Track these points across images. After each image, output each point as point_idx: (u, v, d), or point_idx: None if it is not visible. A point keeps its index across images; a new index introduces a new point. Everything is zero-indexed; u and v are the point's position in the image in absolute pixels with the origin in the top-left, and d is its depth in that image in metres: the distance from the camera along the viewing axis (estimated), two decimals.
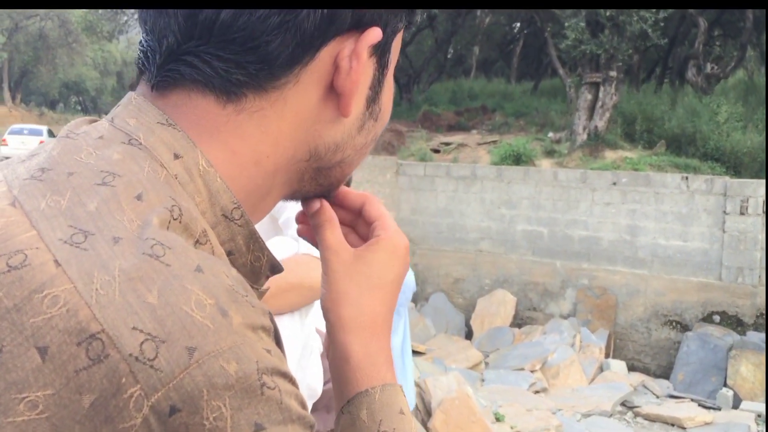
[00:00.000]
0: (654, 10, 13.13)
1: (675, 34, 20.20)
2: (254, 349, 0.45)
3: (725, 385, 9.67)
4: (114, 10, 21.71)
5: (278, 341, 0.52)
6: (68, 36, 38.42)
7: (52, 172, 0.50)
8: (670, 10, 13.51)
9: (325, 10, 0.55)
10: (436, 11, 20.85)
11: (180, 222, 0.49)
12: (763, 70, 25.86)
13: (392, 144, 15.59)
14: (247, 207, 0.59)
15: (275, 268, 0.64)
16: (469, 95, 21.60)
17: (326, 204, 0.70)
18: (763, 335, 10.08)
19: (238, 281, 0.49)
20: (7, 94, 38.04)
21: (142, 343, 0.42)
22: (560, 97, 18.40)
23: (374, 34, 0.58)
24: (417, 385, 7.95)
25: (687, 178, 11.08)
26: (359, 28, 0.58)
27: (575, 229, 11.89)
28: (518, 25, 26.69)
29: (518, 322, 12.15)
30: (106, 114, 0.59)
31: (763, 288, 10.34)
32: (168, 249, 0.46)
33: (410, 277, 4.02)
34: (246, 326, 0.46)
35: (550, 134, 15.33)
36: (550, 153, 14.17)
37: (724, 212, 10.64)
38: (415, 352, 9.75)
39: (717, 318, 10.72)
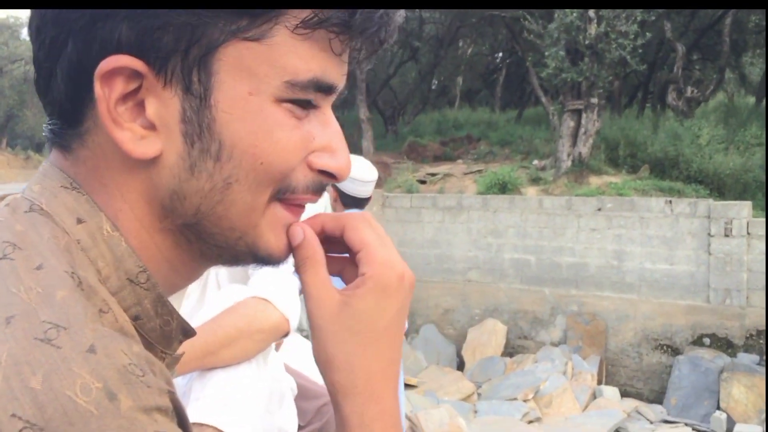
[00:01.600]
0: (632, 37, 13.29)
1: (654, 59, 20.45)
2: None
3: (718, 408, 9.63)
4: None
5: (181, 419, 0.51)
6: None
7: None
8: (648, 36, 13.67)
9: (76, 40, 0.52)
10: (418, 43, 21.05)
11: (83, 290, 0.49)
12: (743, 91, 26.20)
13: (378, 176, 15.62)
14: (160, 273, 0.58)
15: (188, 332, 0.62)
16: (454, 125, 21.71)
17: (309, 235, 0.62)
18: (753, 356, 10.08)
19: (140, 358, 0.48)
20: None
21: (20, 431, 0.41)
22: (544, 124, 18.54)
23: (106, 63, 0.51)
24: (408, 419, 7.89)
25: (671, 201, 11.14)
26: (128, 52, 0.52)
27: (562, 255, 11.91)
28: (500, 54, 26.97)
29: (509, 351, 12.10)
30: (51, 142, 0.59)
31: (752, 309, 10.36)
32: (63, 329, 0.45)
33: None
34: (137, 409, 0.44)
35: (535, 162, 15.42)
36: (535, 180, 14.24)
37: (709, 234, 10.69)
38: (406, 385, 9.70)
39: (707, 341, 10.71)
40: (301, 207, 0.62)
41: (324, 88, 0.57)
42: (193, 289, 1.86)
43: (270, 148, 0.55)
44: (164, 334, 0.58)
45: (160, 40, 0.52)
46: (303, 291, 0.62)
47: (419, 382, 10.38)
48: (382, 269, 0.61)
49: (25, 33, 44.06)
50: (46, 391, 0.42)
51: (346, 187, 3.66)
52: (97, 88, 0.52)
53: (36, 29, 0.56)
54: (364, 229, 0.62)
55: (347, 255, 0.65)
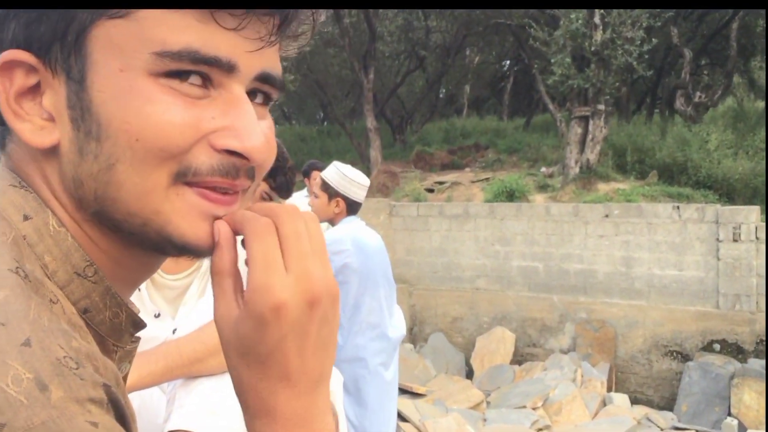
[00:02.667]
0: (638, 43, 13.28)
1: (662, 65, 20.44)
2: (73, 422, 0.45)
3: (729, 414, 9.55)
4: None
5: (119, 412, 0.51)
6: None
7: None
8: (655, 42, 13.66)
9: None
10: (424, 53, 21.09)
11: (30, 282, 0.50)
12: (752, 96, 26.08)
13: (386, 185, 15.66)
14: (104, 266, 0.59)
15: (138, 324, 0.63)
16: (461, 134, 21.74)
17: (225, 234, 0.59)
18: (764, 362, 10.00)
19: (78, 352, 0.49)
20: None
21: None
22: (552, 131, 18.54)
23: (0, 58, 0.54)
24: (417, 428, 7.88)
25: (678, 207, 11.09)
26: (18, 46, 0.54)
27: (570, 262, 11.87)
28: (507, 62, 26.99)
29: (518, 359, 12.05)
30: (1, 144, 0.61)
31: (762, 314, 10.28)
32: (1, 326, 0.46)
33: (398, 317, 3.99)
34: (69, 399, 0.45)
35: (543, 169, 15.40)
36: (543, 188, 14.22)
37: (718, 240, 10.62)
38: (415, 394, 9.69)
39: (717, 346, 10.63)
40: (228, 194, 0.59)
41: (210, 62, 0.55)
42: (192, 294, 1.88)
43: (142, 123, 0.53)
44: (114, 327, 0.59)
45: (39, 30, 0.53)
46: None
47: (428, 390, 10.35)
48: (254, 296, 0.56)
49: None
50: None
51: (357, 194, 3.70)
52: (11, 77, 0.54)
53: None
54: (257, 240, 0.57)
55: None
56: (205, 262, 1.75)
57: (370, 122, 18.35)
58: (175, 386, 1.43)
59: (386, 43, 21.30)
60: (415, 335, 12.85)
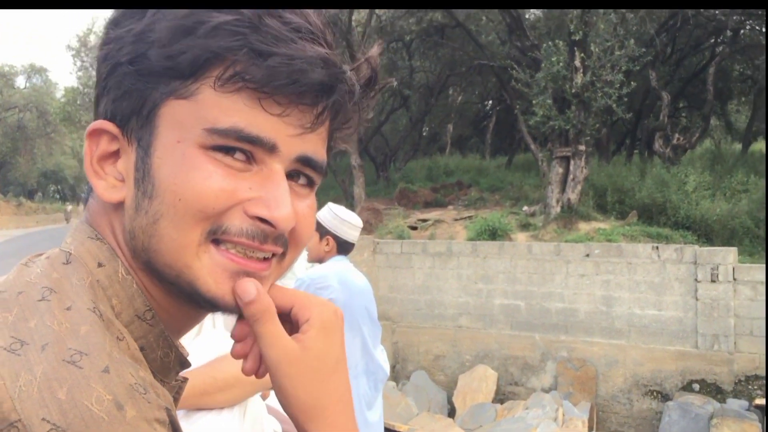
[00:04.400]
0: (617, 86, 13.57)
1: (641, 107, 20.82)
2: None
3: None
4: (91, 100, 21.99)
5: (176, 431, 0.62)
6: (47, 126, 38.86)
7: (6, 293, 0.61)
8: (634, 85, 13.96)
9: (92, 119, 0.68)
10: (408, 92, 21.38)
11: (103, 321, 0.61)
12: (729, 138, 26.58)
13: (370, 222, 15.73)
14: (161, 312, 0.69)
15: (184, 363, 0.73)
16: (444, 171, 21.92)
17: (262, 290, 0.67)
18: (743, 402, 10.08)
19: (144, 380, 0.59)
20: None
21: (48, 431, 0.52)
22: (533, 171, 18.76)
23: (90, 126, 0.66)
24: None
25: (657, 247, 11.26)
26: (106, 118, 0.67)
27: (552, 301, 11.96)
28: (490, 102, 27.36)
29: (500, 397, 12.06)
30: (85, 201, 0.73)
31: (740, 355, 10.41)
32: (84, 355, 0.57)
33: (381, 358, 4.02)
34: (140, 419, 0.56)
35: (525, 208, 15.56)
36: (525, 226, 14.36)
37: (696, 280, 10.78)
38: None
39: (696, 386, 10.72)
40: (253, 260, 0.68)
41: (252, 140, 0.63)
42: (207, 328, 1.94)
43: (186, 186, 0.63)
44: (163, 365, 0.70)
45: (122, 106, 0.65)
46: (258, 342, 0.69)
47: (410, 429, 10.30)
48: (321, 309, 0.71)
49: (19, 81, 44.39)
50: (69, 401, 0.54)
51: (348, 234, 3.78)
52: (85, 146, 0.67)
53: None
54: (288, 289, 0.72)
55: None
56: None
57: (354, 159, 18.50)
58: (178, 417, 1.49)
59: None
60: (397, 373, 12.84)
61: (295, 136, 0.66)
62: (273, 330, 0.69)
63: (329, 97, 0.66)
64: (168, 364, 0.70)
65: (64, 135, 39.26)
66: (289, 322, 0.72)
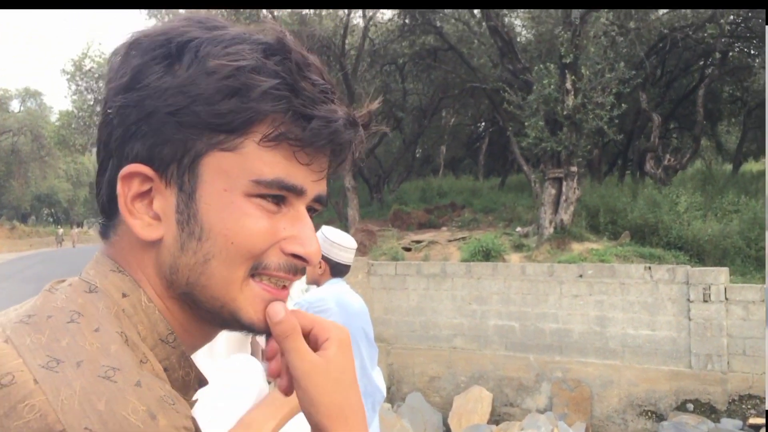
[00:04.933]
0: (608, 108, 13.73)
1: (632, 128, 21.00)
2: None
3: None
4: (86, 124, 22.03)
5: None
6: (41, 150, 38.84)
7: (36, 317, 0.67)
8: (624, 107, 14.11)
9: (113, 158, 0.73)
10: (401, 114, 21.53)
11: (128, 345, 0.67)
12: (720, 159, 26.79)
13: (364, 244, 15.77)
14: (180, 334, 0.76)
15: (202, 381, 0.81)
16: (438, 193, 22.03)
17: (288, 312, 0.77)
18: (737, 422, 10.12)
19: (170, 393, 0.66)
20: None
21: None
22: (527, 192, 18.86)
23: (125, 169, 0.71)
24: None
25: (650, 267, 11.34)
26: (142, 162, 0.72)
27: (546, 322, 12.01)
28: (483, 124, 27.53)
29: (495, 418, 12.06)
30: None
31: (733, 374, 10.46)
32: (117, 370, 0.63)
33: (378, 380, 4.06)
34: (171, 426, 0.63)
35: (518, 229, 15.65)
36: (518, 247, 14.43)
37: (688, 300, 10.85)
38: None
39: (690, 406, 10.76)
40: (281, 288, 0.78)
41: (289, 188, 0.73)
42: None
43: (238, 230, 0.71)
44: (185, 383, 0.77)
45: (162, 152, 0.71)
46: (287, 357, 0.77)
47: None
48: (339, 331, 0.79)
49: (13, 105, 44.44)
50: (108, 411, 0.60)
51: (340, 256, 3.83)
52: (119, 187, 0.72)
53: (97, 154, 0.77)
54: (306, 313, 0.81)
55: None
56: None
57: (348, 181, 18.58)
58: None
59: (364, 105, 21.66)
60: (392, 394, 12.83)
61: (316, 181, 0.77)
62: (300, 346, 0.77)
63: (348, 150, 0.77)
64: (188, 383, 0.77)
65: (59, 158, 39.27)
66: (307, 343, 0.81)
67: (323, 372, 0.77)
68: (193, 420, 0.67)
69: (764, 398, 10.19)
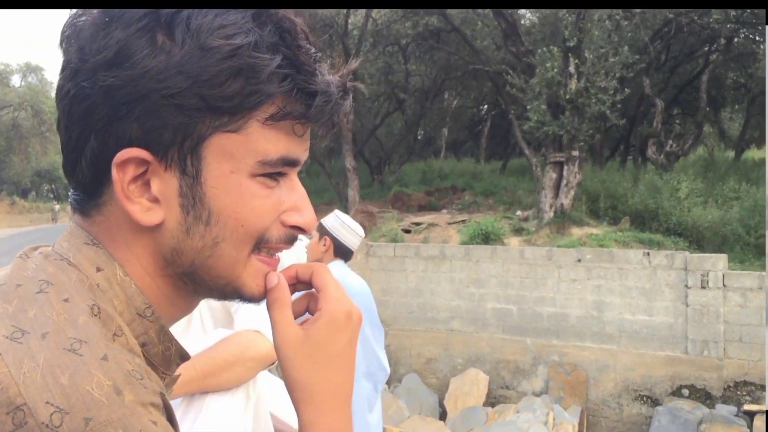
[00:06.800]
0: (611, 92, 13.67)
1: (634, 114, 20.93)
2: (140, 420, 0.60)
3: None
4: None
5: (170, 416, 0.67)
6: (42, 125, 38.72)
7: (5, 285, 0.66)
8: (627, 92, 14.06)
9: (97, 136, 0.69)
10: (404, 95, 21.45)
11: (99, 318, 0.65)
12: (722, 145, 26.71)
13: (364, 225, 15.73)
14: (162, 308, 0.75)
15: (184, 356, 0.79)
16: (439, 175, 21.99)
17: (282, 281, 0.77)
18: (731, 408, 10.17)
19: (139, 368, 0.64)
20: None
21: (51, 414, 0.57)
22: (527, 175, 18.83)
23: (121, 154, 0.67)
24: None
25: (648, 253, 11.33)
26: (137, 145, 0.68)
27: (543, 305, 12.03)
28: (485, 107, 27.42)
29: (491, 400, 12.11)
30: (75, 209, 0.78)
31: (729, 361, 10.49)
32: (84, 343, 0.61)
33: (383, 360, 4.07)
34: (136, 402, 0.61)
35: (518, 212, 15.64)
36: (518, 231, 14.43)
37: (686, 286, 10.86)
38: None
39: (686, 392, 10.80)
40: (274, 257, 0.78)
41: (290, 163, 0.73)
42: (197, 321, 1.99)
43: (248, 213, 0.71)
44: (165, 358, 0.75)
45: (162, 136, 0.68)
46: (271, 325, 0.77)
47: (401, 431, 10.36)
48: (335, 306, 0.77)
49: (14, 79, 44.25)
50: (71, 385, 0.58)
51: (346, 238, 3.86)
52: (114, 173, 0.68)
53: (64, 126, 0.73)
54: (325, 275, 0.80)
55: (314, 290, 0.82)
56: None
57: (349, 162, 18.55)
58: (183, 403, 1.54)
59: (366, 85, 21.62)
60: (389, 376, 12.85)
61: (306, 149, 0.76)
62: (282, 316, 0.77)
63: (338, 117, 0.76)
64: (169, 358, 0.75)
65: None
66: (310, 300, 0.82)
67: (297, 346, 0.76)
68: (163, 396, 0.65)
69: (759, 385, 10.22)
